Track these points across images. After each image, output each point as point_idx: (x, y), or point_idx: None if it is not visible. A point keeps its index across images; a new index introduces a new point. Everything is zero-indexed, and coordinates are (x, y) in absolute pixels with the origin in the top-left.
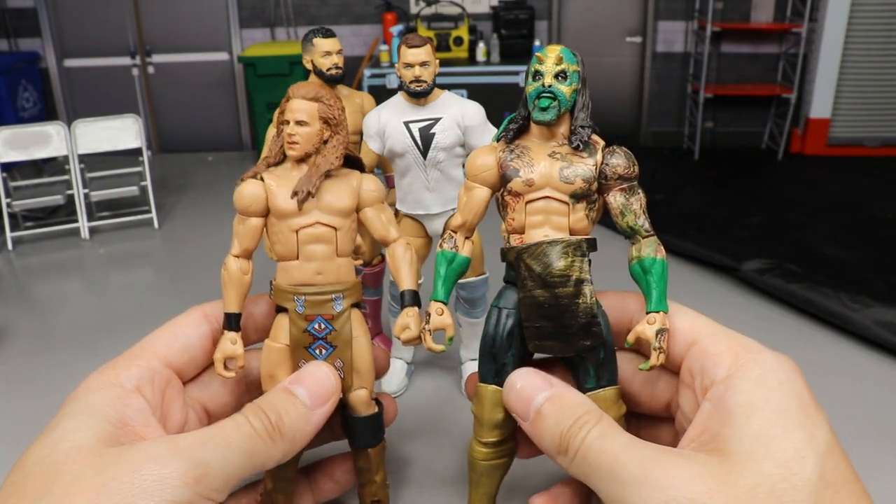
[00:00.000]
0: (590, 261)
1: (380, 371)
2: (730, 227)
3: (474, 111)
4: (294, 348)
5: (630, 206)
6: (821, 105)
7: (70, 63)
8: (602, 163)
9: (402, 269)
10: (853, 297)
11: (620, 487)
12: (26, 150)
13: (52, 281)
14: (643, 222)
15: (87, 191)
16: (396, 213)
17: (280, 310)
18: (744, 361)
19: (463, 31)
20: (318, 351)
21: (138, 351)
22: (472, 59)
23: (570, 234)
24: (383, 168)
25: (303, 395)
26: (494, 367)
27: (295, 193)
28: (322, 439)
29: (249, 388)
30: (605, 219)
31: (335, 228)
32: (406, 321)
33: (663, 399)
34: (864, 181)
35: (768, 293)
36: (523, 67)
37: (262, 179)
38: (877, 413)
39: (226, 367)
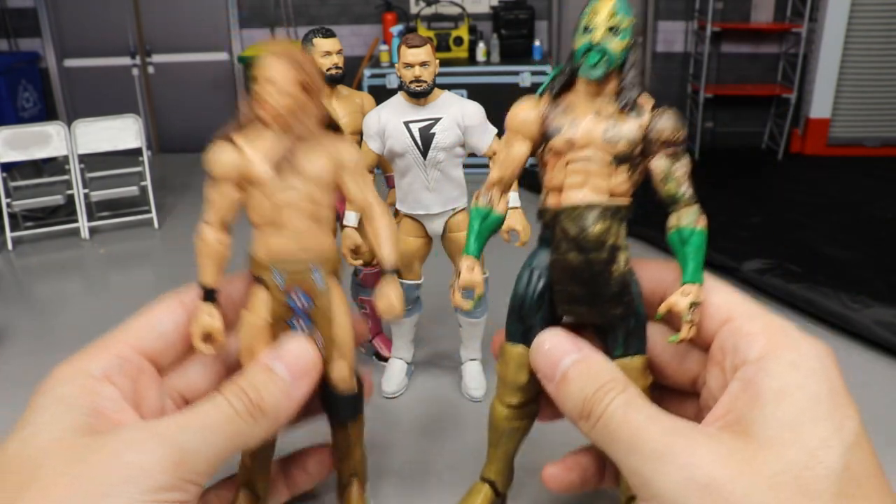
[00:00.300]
0: (628, 226)
1: (358, 339)
2: (730, 227)
3: (474, 111)
4: (273, 322)
5: (674, 172)
6: (821, 105)
7: (70, 63)
8: (649, 125)
9: (381, 235)
10: (853, 297)
11: (640, 460)
12: (26, 150)
13: (52, 281)
14: (686, 189)
15: (87, 191)
16: (396, 213)
17: (257, 281)
18: (778, 344)
19: (463, 31)
20: (297, 324)
21: (108, 340)
22: (472, 59)
23: (610, 197)
24: (383, 168)
25: (282, 371)
26: (522, 328)
27: (272, 161)
28: (298, 418)
29: (230, 373)
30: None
31: (314, 197)
32: (385, 290)
33: (691, 373)
34: (864, 181)
35: (768, 293)
36: (523, 67)
37: (235, 143)
38: (877, 413)
39: (204, 343)
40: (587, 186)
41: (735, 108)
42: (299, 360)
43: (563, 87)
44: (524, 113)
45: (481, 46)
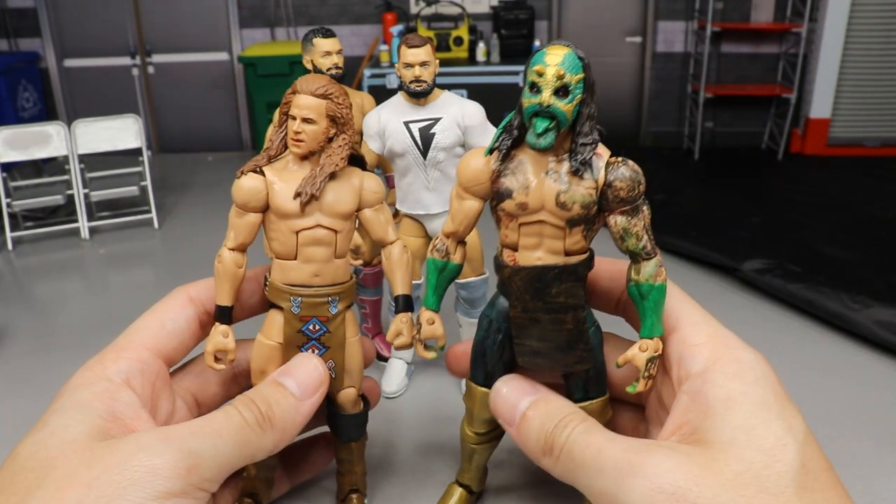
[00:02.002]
0: (585, 286)
1: (367, 361)
2: (730, 227)
3: (474, 111)
4: (287, 347)
5: (631, 228)
6: (821, 105)
7: (70, 63)
8: (604, 183)
9: (398, 273)
10: (853, 297)
11: (606, 479)
12: (26, 150)
13: (52, 281)
14: (645, 244)
15: (87, 191)
16: (396, 212)
17: (273, 306)
18: (721, 356)
19: (463, 31)
20: (310, 351)
21: (125, 342)
22: (472, 59)
23: (566, 256)
24: (383, 168)
25: (292, 387)
26: (483, 375)
27: (298, 195)
28: (306, 428)
29: (237, 378)
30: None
31: (336, 231)
32: (399, 327)
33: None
34: (864, 181)
35: (768, 293)
36: (523, 67)
37: (262, 173)
38: (877, 413)
39: (216, 360)
40: (542, 248)
41: (735, 108)
42: (309, 378)
43: (514, 141)
44: (473, 168)
45: (481, 46)
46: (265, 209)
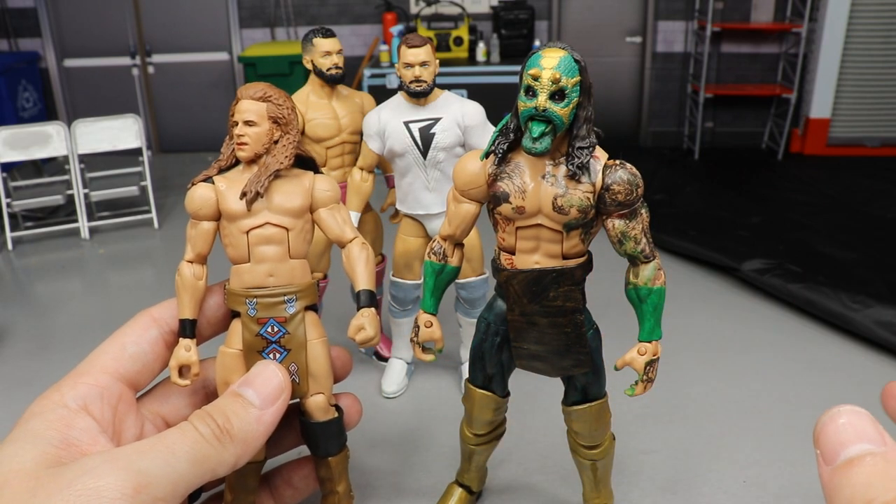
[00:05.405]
0: (583, 289)
1: (340, 375)
2: (730, 227)
3: (474, 111)
4: (248, 353)
5: (629, 232)
6: (821, 105)
7: (70, 63)
8: (602, 186)
9: (358, 268)
10: (853, 297)
11: None
12: (26, 150)
13: (52, 281)
14: (643, 247)
15: (87, 191)
16: (396, 212)
17: (235, 315)
18: None
19: (463, 31)
20: (271, 355)
21: (85, 367)
22: (472, 59)
23: (564, 260)
24: (383, 168)
25: (251, 396)
26: (482, 376)
27: (244, 194)
28: (288, 444)
29: (209, 398)
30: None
31: (286, 229)
32: (361, 322)
33: None
34: (864, 181)
35: (768, 293)
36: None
37: (212, 182)
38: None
39: (181, 376)
40: (539, 252)
41: (735, 108)
42: (267, 385)
43: (510, 145)
44: (470, 172)
45: (481, 46)
46: (218, 217)
